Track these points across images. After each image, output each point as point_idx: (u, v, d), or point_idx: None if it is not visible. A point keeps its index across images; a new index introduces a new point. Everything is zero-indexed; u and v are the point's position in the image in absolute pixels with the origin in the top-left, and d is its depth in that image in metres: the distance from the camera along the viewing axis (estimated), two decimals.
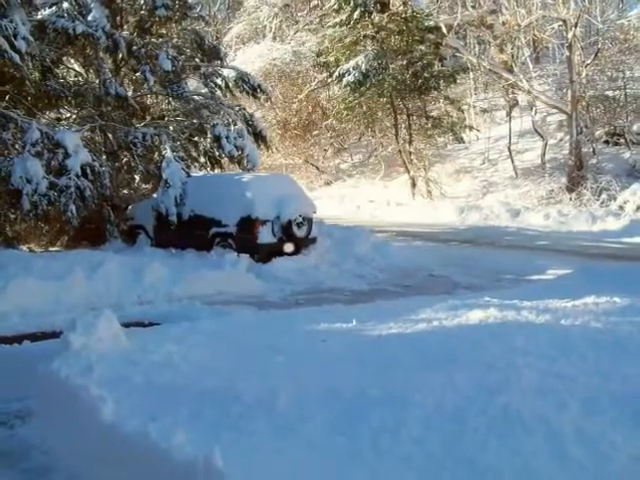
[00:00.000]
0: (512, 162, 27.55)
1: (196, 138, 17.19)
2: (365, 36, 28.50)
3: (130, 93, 16.63)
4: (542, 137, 27.13)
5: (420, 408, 4.78)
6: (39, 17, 15.40)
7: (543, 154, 26.82)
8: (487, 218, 22.13)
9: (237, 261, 12.92)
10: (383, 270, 13.73)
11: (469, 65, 28.13)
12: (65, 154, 13.21)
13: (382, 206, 26.56)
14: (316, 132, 35.19)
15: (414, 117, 29.14)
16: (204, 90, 19.03)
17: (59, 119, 16.83)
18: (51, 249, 15.47)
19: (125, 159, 16.26)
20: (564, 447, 4.25)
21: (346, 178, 34.39)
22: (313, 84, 33.96)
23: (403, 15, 27.76)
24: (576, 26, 24.05)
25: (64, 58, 17.09)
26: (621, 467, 4.07)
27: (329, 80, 31.80)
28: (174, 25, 18.10)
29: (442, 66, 28.11)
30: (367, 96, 28.71)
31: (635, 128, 25.31)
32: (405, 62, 27.73)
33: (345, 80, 28.12)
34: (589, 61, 25.34)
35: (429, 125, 28.92)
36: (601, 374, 5.52)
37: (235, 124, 17.00)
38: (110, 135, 15.94)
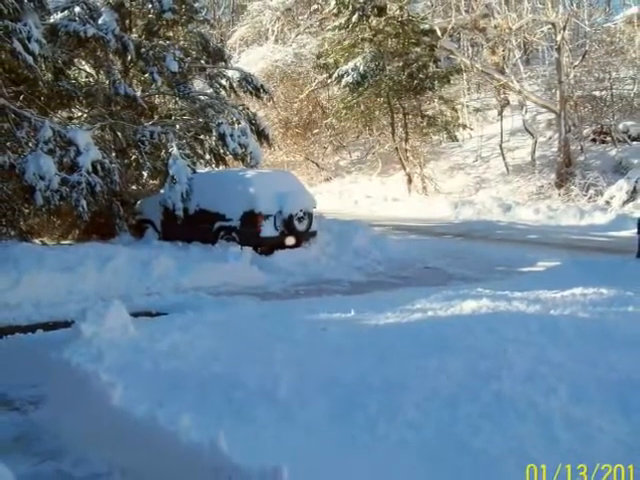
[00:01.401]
0: (503, 159, 27.50)
1: (202, 136, 17.14)
2: (363, 39, 28.42)
3: (139, 93, 16.57)
4: (532, 135, 27.07)
5: (416, 394, 4.78)
6: (51, 21, 15.35)
7: (533, 151, 26.77)
8: (480, 213, 22.11)
9: (241, 254, 12.91)
10: (380, 262, 13.72)
11: (462, 66, 28.04)
12: (76, 151, 13.18)
13: (379, 201, 26.52)
14: (316, 131, 35.11)
15: (410, 116, 29.09)
16: (209, 90, 18.97)
17: (71, 118, 16.77)
18: (63, 242, 15.43)
19: (134, 156, 16.20)
20: (553, 431, 4.25)
21: (345, 174, 34.33)
22: (313, 85, 33.88)
23: (399, 19, 27.68)
24: (565, 29, 24.00)
25: (75, 60, 17.02)
26: (606, 449, 4.07)
27: (329, 81, 31.73)
28: (180, 28, 18.04)
29: (437, 67, 28.04)
30: (365, 96, 28.64)
31: (621, 127, 25.25)
32: (401, 64, 27.65)
33: (344, 81, 28.08)
34: (577, 63, 25.29)
35: (424, 124, 28.86)
36: (588, 361, 5.51)
37: (239, 123, 16.97)
38: (119, 133, 15.87)
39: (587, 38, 27.71)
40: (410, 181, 28.28)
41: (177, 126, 16.45)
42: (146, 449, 4.47)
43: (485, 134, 30.47)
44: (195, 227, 14.30)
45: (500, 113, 28.86)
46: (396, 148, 28.97)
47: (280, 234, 13.75)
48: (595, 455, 3.97)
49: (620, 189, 21.42)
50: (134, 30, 17.12)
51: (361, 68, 27.45)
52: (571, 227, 18.75)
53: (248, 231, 13.62)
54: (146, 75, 16.66)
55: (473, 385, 4.90)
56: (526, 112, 27.90)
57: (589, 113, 26.55)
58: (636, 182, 21.43)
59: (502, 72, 26.85)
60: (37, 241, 14.92)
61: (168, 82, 16.76)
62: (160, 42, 16.81)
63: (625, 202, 20.97)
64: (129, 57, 16.22)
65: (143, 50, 16.05)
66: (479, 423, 4.36)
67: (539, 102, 26.29)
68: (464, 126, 29.64)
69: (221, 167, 17.57)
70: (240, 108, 18.02)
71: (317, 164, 35.52)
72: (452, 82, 29.74)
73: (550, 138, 27.69)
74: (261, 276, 12.29)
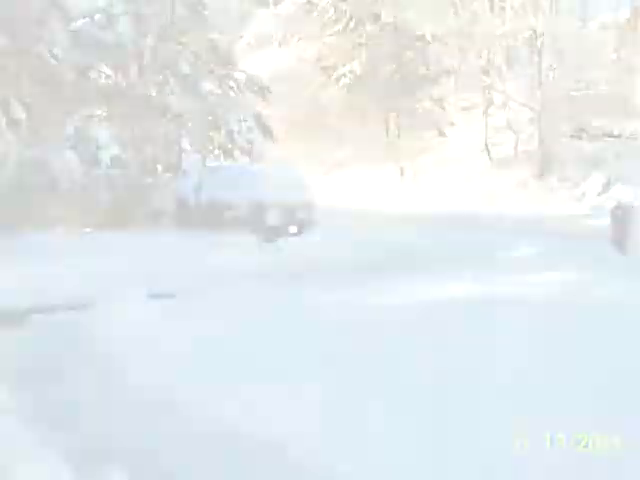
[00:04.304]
0: (488, 154, 27.48)
1: (211, 133, 17.14)
2: (360, 43, 28.36)
3: (154, 93, 16.55)
4: (514, 132, 27.04)
5: (408, 370, 4.79)
6: (74, 27, 15.31)
7: (515, 147, 26.75)
8: (466, 203, 22.07)
9: (247, 241, 12.92)
10: (375, 249, 13.70)
11: (451, 69, 27.96)
12: (97, 147, 13.20)
13: (374, 193, 26.47)
14: (316, 128, 35.03)
15: (402, 114, 29.04)
16: (218, 91, 18.93)
17: (92, 116, 16.74)
18: (85, 230, 15.42)
19: (150, 151, 16.21)
20: (533, 405, 4.27)
21: (343, 168, 34.24)
22: (314, 85, 33.78)
23: (393, 25, 27.63)
24: (544, 35, 23.89)
25: (96, 63, 16.97)
26: (582, 421, 4.09)
27: (328, 82, 31.65)
28: (192, 34, 17.99)
29: (427, 70, 27.98)
30: (361, 96, 28.59)
31: (596, 124, 25.19)
32: (395, 66, 27.60)
33: (342, 82, 28.04)
34: (556, 65, 25.21)
35: (415, 121, 28.83)
36: (565, 340, 5.52)
37: (245, 121, 16.96)
38: (136, 130, 15.87)
39: (565, 43, 27.56)
40: (402, 174, 28.27)
41: (189, 124, 16.43)
42: (161, 420, 4.48)
43: (471, 131, 30.43)
44: (206, 216, 14.31)
45: (485, 111, 28.79)
46: (390, 143, 28.93)
47: (283, 223, 13.75)
48: (573, 426, 3.98)
49: (595, 182, 21.43)
50: (149, 36, 17.06)
51: (358, 70, 27.41)
52: (550, 216, 18.73)
53: (254, 220, 13.62)
54: (160, 77, 16.63)
55: (458, 363, 4.91)
56: (509, 110, 27.82)
57: (567, 112, 26.50)
58: (609, 175, 21.43)
59: (487, 74, 26.76)
60: (61, 229, 14.90)
61: (181, 83, 16.74)
62: (173, 47, 16.79)
63: (599, 193, 20.98)
64: (145, 60, 16.19)
65: (158, 54, 16.03)
66: (466, 400, 4.36)
67: (521, 101, 26.24)
68: (452, 123, 29.61)
69: (229, 161, 17.55)
70: (247, 107, 18.00)
71: (317, 159, 35.42)
72: (441, 83, 29.71)
73: (531, 135, 27.66)
74: (266, 261, 12.30)
